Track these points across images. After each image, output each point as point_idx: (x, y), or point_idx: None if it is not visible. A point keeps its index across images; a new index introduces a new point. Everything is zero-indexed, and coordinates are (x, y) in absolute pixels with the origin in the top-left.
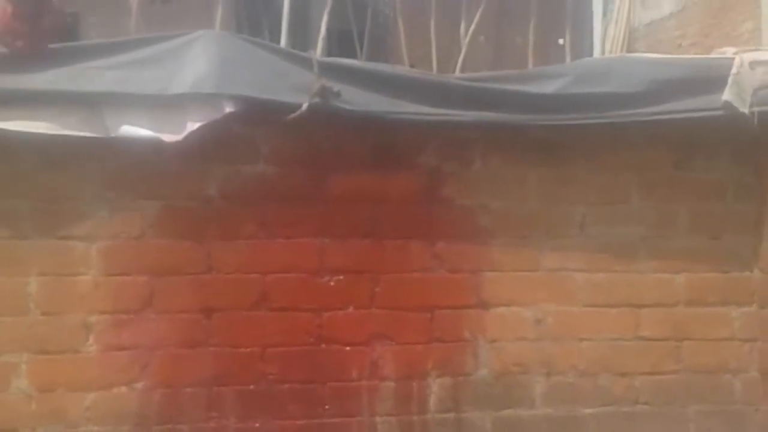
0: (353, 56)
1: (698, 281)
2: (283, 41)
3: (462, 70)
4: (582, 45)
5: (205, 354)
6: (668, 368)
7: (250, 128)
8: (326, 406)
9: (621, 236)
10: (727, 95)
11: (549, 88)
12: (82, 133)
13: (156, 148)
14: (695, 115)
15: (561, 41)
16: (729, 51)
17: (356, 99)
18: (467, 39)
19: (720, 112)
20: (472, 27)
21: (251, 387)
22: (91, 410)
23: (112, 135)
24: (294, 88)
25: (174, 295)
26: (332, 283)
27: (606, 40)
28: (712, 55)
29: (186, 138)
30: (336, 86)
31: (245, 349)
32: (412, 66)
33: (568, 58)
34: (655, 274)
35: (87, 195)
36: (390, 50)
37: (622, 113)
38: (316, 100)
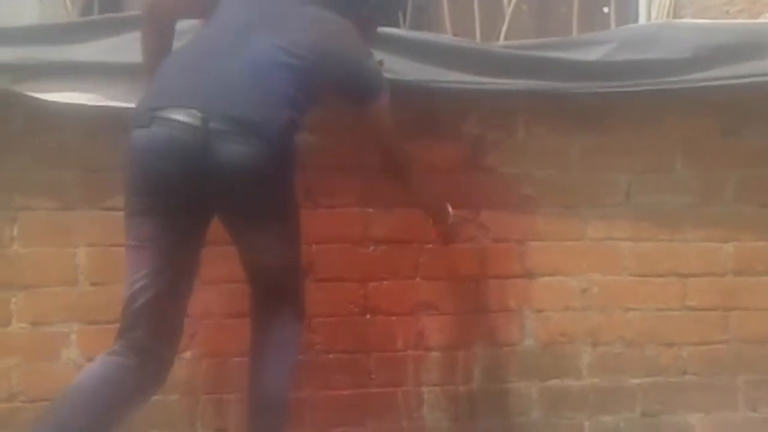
0: (396, 26)
1: (746, 250)
2: None
3: (505, 40)
4: (627, 12)
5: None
6: (716, 338)
7: None
8: (372, 376)
9: (667, 205)
10: None
11: (593, 54)
12: (125, 104)
13: None
14: (743, 81)
15: (606, 9)
16: None
17: (400, 68)
18: (510, 8)
19: None
20: None
21: (298, 357)
22: None
23: None
24: None
25: (220, 265)
26: (377, 253)
27: (651, 7)
28: (760, 20)
29: None
30: (379, 56)
31: None
32: (455, 36)
33: (613, 26)
34: (702, 243)
35: None
36: (433, 20)
37: (668, 80)
38: None
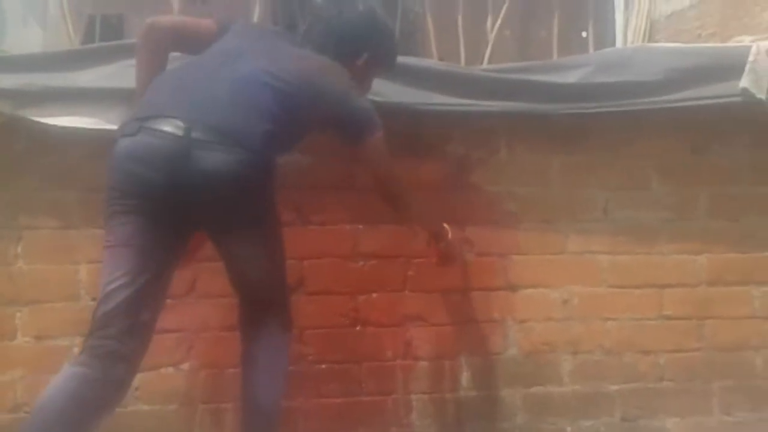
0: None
1: (719, 262)
2: None
3: (489, 64)
4: (605, 37)
5: None
6: (691, 346)
7: None
8: (362, 385)
9: (643, 220)
10: (744, 82)
11: (571, 77)
12: None
13: None
14: (713, 101)
15: (584, 34)
16: (746, 39)
17: (386, 91)
18: (493, 33)
19: (738, 99)
20: (498, 22)
21: (291, 368)
22: (140, 390)
23: None
24: None
25: (215, 280)
26: (366, 268)
27: (628, 31)
28: (729, 44)
29: None
30: None
31: None
32: (441, 60)
33: (591, 49)
34: (677, 256)
35: None
36: (420, 46)
37: (642, 101)
38: None
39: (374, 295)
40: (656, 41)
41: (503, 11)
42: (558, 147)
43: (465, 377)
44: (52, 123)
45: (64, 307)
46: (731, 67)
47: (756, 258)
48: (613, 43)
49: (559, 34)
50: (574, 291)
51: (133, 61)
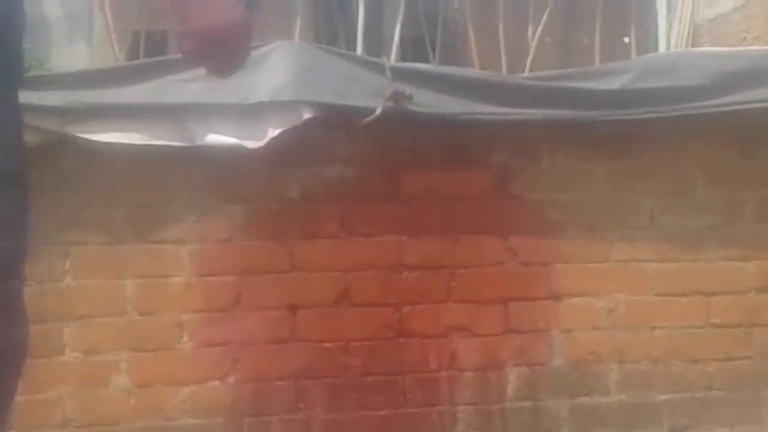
0: (426, 61)
1: (767, 268)
2: (359, 50)
3: (530, 71)
4: (647, 42)
5: (292, 349)
6: (740, 354)
7: (327, 133)
8: (407, 396)
9: (689, 226)
10: None
11: (614, 83)
12: (170, 143)
13: (240, 154)
14: (760, 105)
15: (626, 39)
16: None
17: (428, 101)
18: (535, 41)
19: None
20: (539, 29)
21: (336, 380)
22: (187, 404)
23: (198, 143)
24: (368, 93)
25: (261, 293)
26: (410, 279)
27: (671, 36)
28: None
29: (268, 144)
30: (408, 90)
31: (329, 344)
32: (482, 69)
33: (633, 56)
34: (724, 262)
35: (177, 201)
36: (461, 55)
37: (687, 106)
38: (390, 103)
39: (418, 306)
40: (700, 45)
41: (544, 19)
42: (602, 154)
43: (510, 388)
44: (98, 139)
45: (112, 322)
46: None
47: None
48: (656, 48)
49: (601, 40)
50: (620, 299)
51: (177, 76)
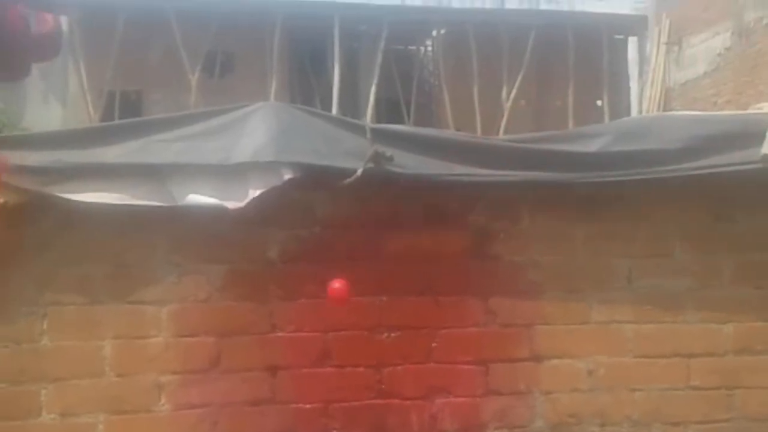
0: (401, 123)
1: (745, 330)
2: (335, 110)
3: (505, 133)
4: (620, 106)
5: (271, 410)
6: (721, 416)
7: (307, 194)
8: None
9: (667, 288)
10: (765, 148)
11: (592, 146)
12: (150, 203)
13: (220, 215)
14: (734, 168)
15: (599, 102)
16: (766, 106)
17: (408, 162)
18: (509, 103)
19: (759, 166)
20: (513, 92)
21: None
22: None
23: (179, 203)
24: (348, 153)
25: (240, 354)
26: (391, 340)
27: (643, 100)
28: (749, 111)
29: (248, 204)
30: (388, 151)
31: (309, 405)
32: (457, 131)
33: (606, 119)
34: (703, 324)
35: (156, 261)
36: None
37: (663, 169)
38: (370, 165)
39: (399, 367)
40: (671, 109)
41: (518, 81)
42: (580, 216)
43: None
44: (78, 199)
45: (89, 384)
46: (752, 134)
47: None
48: (629, 111)
49: (574, 103)
50: (600, 361)
51: (155, 137)
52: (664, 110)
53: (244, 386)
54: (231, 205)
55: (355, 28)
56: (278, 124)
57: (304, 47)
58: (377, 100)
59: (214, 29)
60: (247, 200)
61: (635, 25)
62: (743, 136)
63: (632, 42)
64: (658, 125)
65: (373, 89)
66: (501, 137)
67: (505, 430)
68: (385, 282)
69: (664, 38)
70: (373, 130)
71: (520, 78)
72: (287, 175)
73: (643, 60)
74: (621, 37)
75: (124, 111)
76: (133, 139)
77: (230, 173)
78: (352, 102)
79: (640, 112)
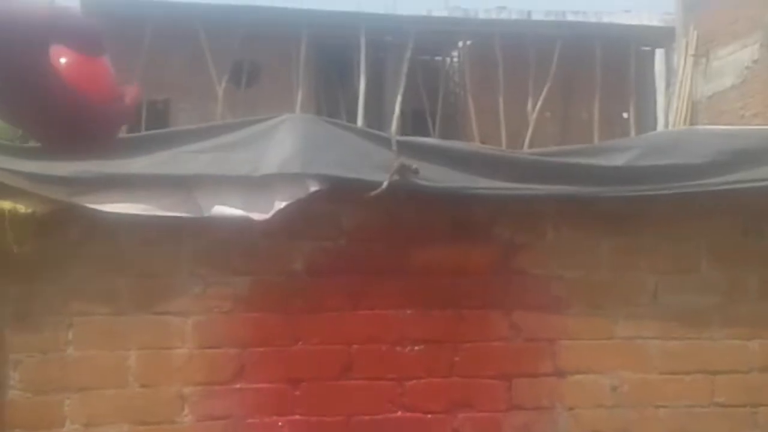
0: (426, 134)
1: None
2: (360, 122)
3: (530, 145)
4: (646, 118)
5: (294, 423)
6: None
7: (333, 206)
8: None
9: (693, 304)
10: None
11: (618, 160)
12: (176, 214)
13: (246, 226)
14: (762, 184)
15: (625, 115)
16: None
17: (433, 175)
18: (534, 115)
19: None
20: (539, 104)
21: None
22: None
23: (205, 215)
24: (374, 166)
25: (264, 366)
26: (414, 353)
27: (669, 113)
28: None
29: (274, 216)
30: (414, 164)
31: (331, 418)
32: (482, 142)
33: (632, 131)
34: (728, 341)
35: (181, 272)
36: (461, 128)
37: (690, 184)
38: (396, 177)
39: (422, 380)
40: (698, 122)
41: (544, 93)
42: (606, 230)
43: None
44: (105, 210)
45: (114, 395)
46: None
47: None
48: (655, 124)
49: (600, 115)
50: (624, 377)
51: (182, 148)
52: (691, 123)
53: (267, 398)
54: (257, 216)
55: (381, 39)
56: (304, 137)
57: (330, 58)
58: (403, 111)
59: (241, 39)
60: (272, 212)
61: (662, 36)
62: None
63: (659, 54)
64: (686, 140)
65: (398, 100)
66: (526, 150)
67: None
68: (410, 295)
69: (691, 50)
70: (399, 142)
71: (546, 89)
72: (313, 187)
73: (669, 72)
74: (648, 48)
75: (151, 121)
76: (160, 150)
77: (256, 185)
78: (377, 112)
79: (667, 124)
